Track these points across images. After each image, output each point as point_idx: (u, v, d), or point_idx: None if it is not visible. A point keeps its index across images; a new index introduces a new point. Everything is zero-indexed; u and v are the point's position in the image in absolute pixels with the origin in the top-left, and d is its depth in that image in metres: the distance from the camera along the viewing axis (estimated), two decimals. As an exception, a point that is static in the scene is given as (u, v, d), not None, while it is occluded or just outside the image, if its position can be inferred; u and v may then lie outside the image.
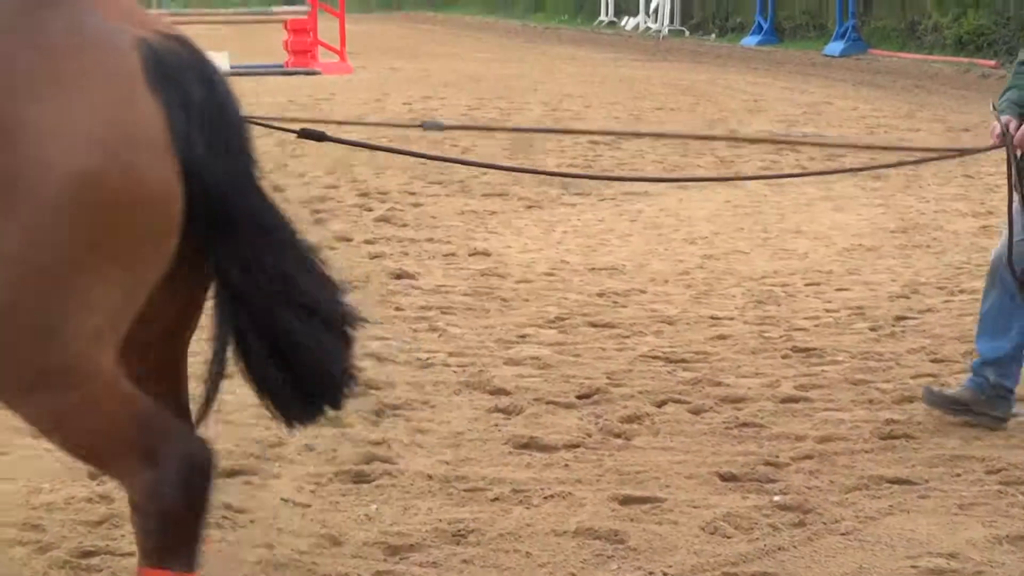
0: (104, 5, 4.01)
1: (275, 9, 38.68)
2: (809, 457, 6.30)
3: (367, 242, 11.42)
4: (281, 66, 29.48)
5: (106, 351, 3.80)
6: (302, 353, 4.16)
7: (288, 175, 14.78)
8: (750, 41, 36.25)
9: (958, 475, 6.06)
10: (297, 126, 6.37)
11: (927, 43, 30.40)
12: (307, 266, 4.22)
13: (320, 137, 6.33)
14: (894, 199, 13.12)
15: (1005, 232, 6.83)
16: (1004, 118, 6.65)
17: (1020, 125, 6.50)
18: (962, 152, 8.12)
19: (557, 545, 5.37)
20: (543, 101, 22.42)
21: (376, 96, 23.57)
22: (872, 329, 8.60)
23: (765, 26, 36.19)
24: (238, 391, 7.24)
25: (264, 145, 15.19)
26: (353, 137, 7.59)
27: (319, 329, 4.17)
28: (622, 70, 29.04)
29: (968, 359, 7.80)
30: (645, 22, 42.64)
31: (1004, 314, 6.89)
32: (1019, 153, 6.63)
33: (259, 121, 8.77)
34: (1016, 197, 6.67)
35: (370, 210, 12.80)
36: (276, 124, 7.81)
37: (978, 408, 6.83)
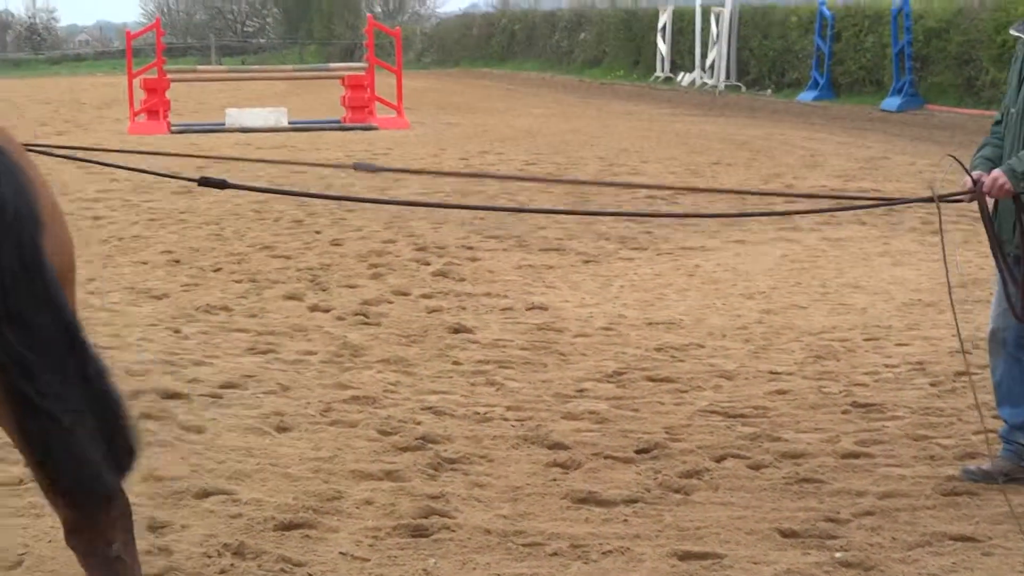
0: None
1: (333, 65, 39.12)
2: (870, 513, 6.26)
3: (424, 296, 11.46)
4: (338, 121, 29.68)
5: None
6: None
7: (345, 229, 14.88)
8: (806, 96, 36.24)
9: (1022, 533, 6.00)
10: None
11: (984, 98, 30.28)
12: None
13: (221, 185, 6.42)
14: (955, 253, 13.04)
15: (994, 298, 7.13)
16: (975, 173, 6.88)
17: (1010, 184, 6.59)
18: (928, 200, 8.04)
19: (616, 602, 5.36)
20: (599, 156, 22.47)
21: (433, 151, 23.67)
22: (932, 384, 8.56)
23: (821, 81, 36.17)
24: (296, 444, 7.32)
25: (318, 200, 15.37)
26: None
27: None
28: (678, 125, 29.07)
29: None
30: (701, 77, 42.76)
31: (1017, 380, 6.91)
32: (991, 205, 6.88)
33: (152, 171, 9.05)
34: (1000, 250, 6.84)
35: (427, 264, 12.86)
36: (178, 175, 8.08)
37: (1019, 475, 6.82)
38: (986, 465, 6.90)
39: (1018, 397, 6.91)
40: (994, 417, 7.78)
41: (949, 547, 5.84)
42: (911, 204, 12.02)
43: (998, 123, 7.08)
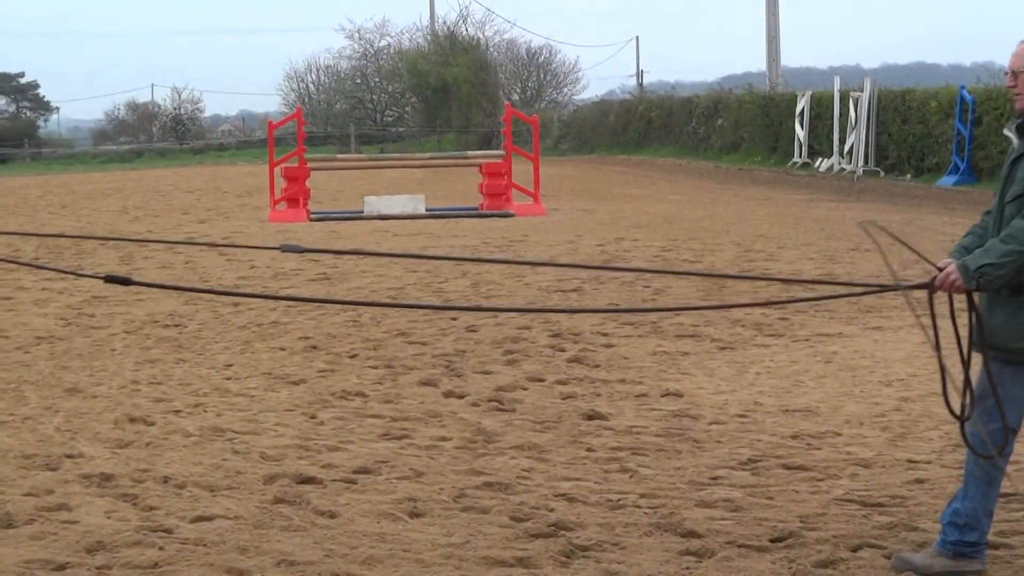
0: None
1: (471, 153, 39.57)
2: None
3: (559, 382, 11.48)
4: (476, 208, 29.96)
5: None
6: None
7: (480, 315, 14.97)
8: (947, 181, 35.91)
9: None
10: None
11: None
12: None
13: (126, 282, 6.86)
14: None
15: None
16: (942, 262, 6.93)
17: (962, 282, 6.73)
18: (883, 288, 8.04)
19: None
20: (736, 242, 22.46)
21: (569, 238, 23.80)
22: (1080, 472, 8.40)
23: (962, 166, 35.84)
24: (429, 530, 7.36)
25: (457, 286, 15.53)
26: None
27: None
28: (816, 211, 28.99)
29: None
30: (839, 163, 42.52)
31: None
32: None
33: (60, 269, 9.37)
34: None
35: (563, 350, 12.89)
36: (80, 272, 8.80)
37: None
38: (917, 557, 6.78)
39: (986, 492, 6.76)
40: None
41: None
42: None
43: (988, 212, 6.88)
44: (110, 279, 7.90)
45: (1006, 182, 6.82)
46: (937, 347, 7.12)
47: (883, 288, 7.54)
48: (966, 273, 6.72)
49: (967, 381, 6.98)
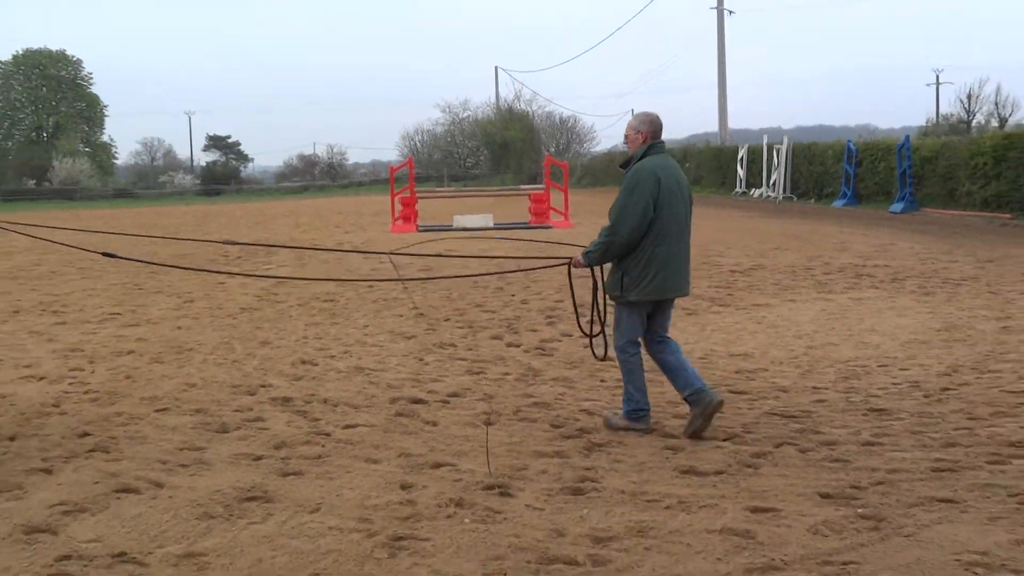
0: None
1: (523, 187, 39.62)
2: (882, 483, 6.13)
3: (581, 337, 11.45)
4: (526, 223, 29.94)
5: None
6: None
7: (529, 293, 14.97)
8: (838, 203, 35.70)
9: (987, 497, 5.83)
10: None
11: (962, 203, 29.61)
12: None
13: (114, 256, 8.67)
14: (940, 308, 12.72)
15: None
16: (575, 257, 7.75)
17: (585, 263, 7.64)
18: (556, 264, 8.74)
19: (708, 539, 5.32)
20: (697, 244, 22.23)
21: (589, 242, 23.72)
22: (925, 396, 8.33)
23: (848, 193, 35.69)
24: (497, 434, 7.35)
25: (515, 275, 15.29)
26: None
27: None
28: (751, 224, 28.80)
29: (994, 420, 7.56)
30: (767, 192, 42.37)
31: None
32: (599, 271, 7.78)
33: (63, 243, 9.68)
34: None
35: (585, 316, 12.83)
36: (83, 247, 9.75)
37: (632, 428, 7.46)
38: (614, 419, 7.54)
39: (638, 378, 7.53)
40: (969, 418, 7.59)
41: (936, 507, 5.70)
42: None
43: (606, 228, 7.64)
44: (105, 254, 8.78)
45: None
46: (573, 298, 8.58)
47: (556, 264, 8.61)
48: (587, 256, 7.58)
49: (593, 317, 7.88)
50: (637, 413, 7.47)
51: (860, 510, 5.68)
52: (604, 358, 8.12)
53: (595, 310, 7.88)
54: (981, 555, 5.02)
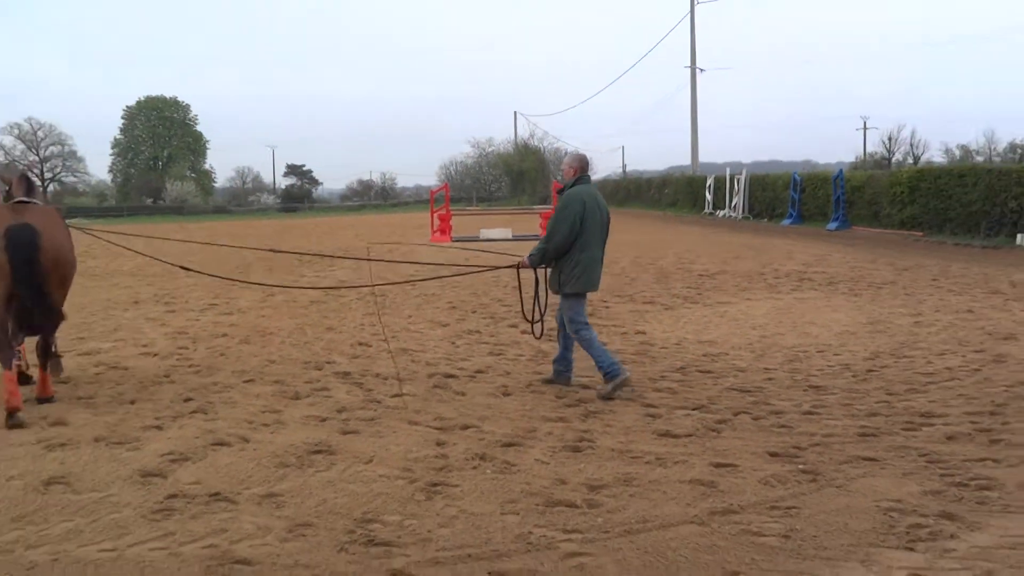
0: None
1: (535, 207, 39.42)
2: (818, 445, 6.10)
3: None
4: (538, 236, 29.81)
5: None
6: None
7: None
8: (786, 222, 35.49)
9: (902, 457, 5.80)
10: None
11: (884, 223, 29.41)
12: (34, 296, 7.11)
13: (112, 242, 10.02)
14: (866, 306, 12.64)
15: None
16: (522, 260, 8.18)
17: (528, 264, 8.04)
18: (508, 267, 9.11)
19: (680, 487, 5.30)
20: (675, 253, 22.29)
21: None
22: (853, 376, 8.27)
23: (795, 214, 35.47)
24: (513, 403, 7.32)
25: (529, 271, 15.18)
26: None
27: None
28: (716, 237, 28.68)
29: (908, 395, 7.51)
30: (729, 213, 42.17)
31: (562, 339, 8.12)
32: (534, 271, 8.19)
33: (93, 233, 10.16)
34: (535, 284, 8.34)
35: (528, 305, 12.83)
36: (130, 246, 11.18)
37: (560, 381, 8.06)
38: (602, 390, 7.62)
39: (599, 347, 7.77)
40: (888, 394, 7.54)
41: (861, 464, 5.67)
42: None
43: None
44: (182, 267, 9.89)
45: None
46: (520, 293, 8.94)
47: (512, 266, 8.80)
48: (531, 259, 7.99)
49: (535, 306, 8.28)
50: (612, 370, 7.60)
51: (801, 466, 5.65)
52: (540, 337, 8.73)
53: (536, 301, 8.28)
54: (896, 502, 4.99)
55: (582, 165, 8.08)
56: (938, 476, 5.41)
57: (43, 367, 7.57)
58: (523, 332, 11.04)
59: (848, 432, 6.40)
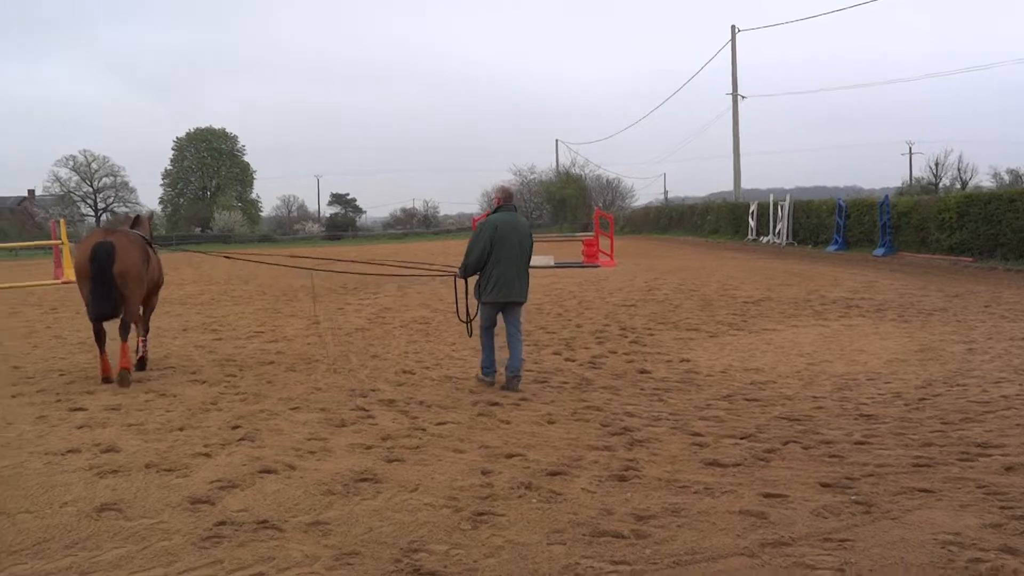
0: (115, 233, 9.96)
1: (578, 234, 39.38)
2: (871, 475, 5.96)
3: (625, 354, 11.37)
4: (579, 263, 29.85)
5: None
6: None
7: (584, 319, 14.88)
8: (831, 248, 35.12)
9: (959, 488, 5.65)
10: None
11: (932, 248, 28.96)
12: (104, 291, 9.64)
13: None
14: (917, 333, 12.41)
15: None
16: (456, 271, 9.62)
17: (459, 275, 9.50)
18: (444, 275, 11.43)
19: (729, 519, 5.21)
20: (718, 280, 22.09)
21: (629, 278, 23.61)
22: (906, 405, 8.11)
23: (840, 240, 35.09)
24: (557, 431, 7.26)
25: (571, 304, 15.18)
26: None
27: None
28: (760, 263, 28.42)
29: (963, 425, 7.34)
30: (773, 239, 41.82)
31: (487, 346, 9.39)
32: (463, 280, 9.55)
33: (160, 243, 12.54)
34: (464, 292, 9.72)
35: (627, 337, 12.77)
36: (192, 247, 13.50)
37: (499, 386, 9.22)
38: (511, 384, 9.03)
39: (488, 352, 9.34)
40: (942, 423, 7.37)
41: (917, 496, 5.53)
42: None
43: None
44: (309, 268, 14.45)
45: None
46: (455, 297, 10.13)
47: (446, 275, 10.63)
48: (461, 270, 9.41)
49: (467, 310, 9.64)
50: (487, 370, 9.35)
51: (854, 497, 5.53)
52: (471, 335, 10.23)
53: (466, 306, 9.68)
54: (954, 535, 4.86)
55: (505, 196, 9.46)
56: (997, 509, 5.26)
57: (123, 339, 9.76)
58: (567, 359, 10.99)
59: (902, 462, 6.25)
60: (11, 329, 15.47)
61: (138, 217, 11.50)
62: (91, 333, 11.07)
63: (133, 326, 10.11)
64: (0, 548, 4.94)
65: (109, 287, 9.58)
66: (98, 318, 9.78)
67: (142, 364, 10.63)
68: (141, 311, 10.55)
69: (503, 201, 9.39)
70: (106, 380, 9.76)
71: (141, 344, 10.79)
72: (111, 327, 10.08)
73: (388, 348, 12.15)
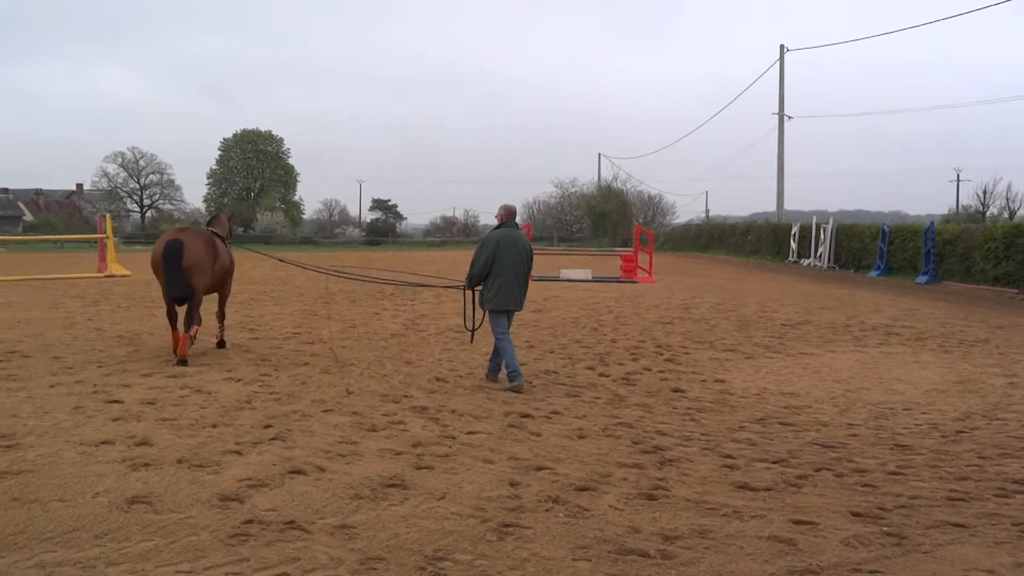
0: (189, 231, 11.66)
1: (616, 249, 39.31)
2: (904, 507, 5.87)
3: (659, 371, 11.30)
4: (617, 278, 29.74)
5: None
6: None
7: (619, 334, 14.82)
8: (873, 273, 34.67)
9: (994, 524, 5.54)
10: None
11: (976, 278, 28.48)
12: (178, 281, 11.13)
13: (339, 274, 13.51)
14: (957, 364, 12.20)
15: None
16: (463, 283, 10.56)
17: (466, 286, 10.50)
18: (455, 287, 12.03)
19: (757, 544, 5.15)
20: (757, 301, 21.88)
21: (667, 295, 23.49)
22: (942, 437, 7.97)
23: (882, 266, 34.63)
24: (587, 446, 7.22)
25: (607, 318, 15.14)
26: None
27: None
28: (801, 287, 28.11)
29: (1001, 460, 7.19)
30: (814, 262, 41.37)
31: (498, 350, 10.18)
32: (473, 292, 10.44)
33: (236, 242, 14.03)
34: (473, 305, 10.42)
35: (662, 355, 12.69)
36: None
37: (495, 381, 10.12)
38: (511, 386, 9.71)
39: (510, 357, 9.87)
40: (980, 457, 7.23)
41: (951, 530, 5.43)
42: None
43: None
44: (332, 272, 13.82)
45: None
46: (464, 306, 10.77)
47: (455, 287, 11.60)
48: (467, 280, 10.38)
49: (474, 319, 10.41)
50: (513, 374, 9.76)
51: (885, 528, 5.44)
52: (472, 341, 11.15)
53: (473, 313, 10.39)
54: (988, 573, 4.76)
55: (507, 214, 10.27)
56: (1034, 547, 5.14)
57: (187, 329, 11.26)
58: (600, 374, 10.95)
59: (936, 495, 6.14)
60: (53, 320, 15.74)
61: (218, 215, 13.18)
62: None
63: (194, 330, 11.80)
64: (31, 535, 5.02)
65: (179, 277, 11.10)
66: (173, 301, 11.32)
67: (221, 344, 12.51)
68: (220, 300, 12.76)
69: (505, 219, 10.23)
70: (181, 362, 11.04)
71: (219, 330, 12.68)
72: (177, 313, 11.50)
73: (422, 355, 12.19)
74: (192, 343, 11.89)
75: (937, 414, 8.97)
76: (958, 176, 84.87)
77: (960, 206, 78.21)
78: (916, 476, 6.63)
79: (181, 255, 11.15)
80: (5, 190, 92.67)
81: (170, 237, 11.36)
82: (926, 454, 7.31)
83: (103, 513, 5.40)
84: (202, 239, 11.64)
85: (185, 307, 11.41)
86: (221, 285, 12.45)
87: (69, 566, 4.61)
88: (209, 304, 13.65)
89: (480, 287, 10.22)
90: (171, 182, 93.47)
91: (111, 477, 6.12)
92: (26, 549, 4.83)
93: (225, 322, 12.86)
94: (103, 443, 7.03)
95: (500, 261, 9.90)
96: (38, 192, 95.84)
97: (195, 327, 12.15)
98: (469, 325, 10.52)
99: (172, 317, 11.45)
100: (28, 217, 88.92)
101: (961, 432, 8.17)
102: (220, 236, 12.38)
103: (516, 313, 10.44)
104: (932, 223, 33.02)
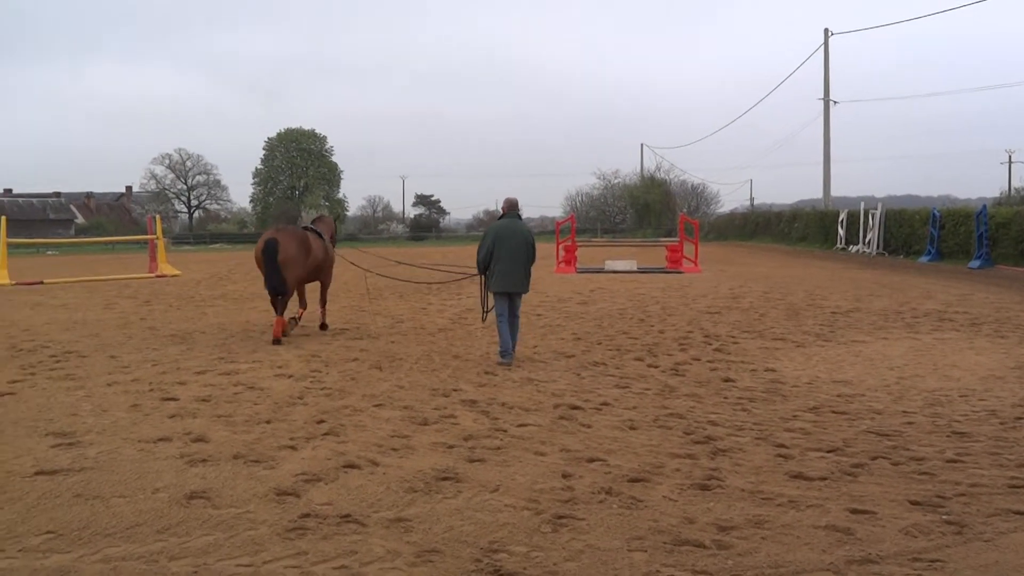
0: (282, 230, 13.30)
1: (661, 240, 39.10)
2: (964, 495, 5.76)
3: (708, 361, 11.21)
4: (663, 268, 29.58)
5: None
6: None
7: (667, 325, 14.73)
8: (924, 259, 34.08)
9: None
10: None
11: (1033, 261, 27.94)
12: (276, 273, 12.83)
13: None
14: (1014, 350, 11.94)
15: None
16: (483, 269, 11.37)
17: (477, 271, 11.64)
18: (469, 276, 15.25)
19: (814, 533, 5.09)
20: (805, 289, 21.61)
21: (713, 285, 23.31)
22: (1001, 423, 7.80)
23: (933, 251, 34.02)
24: (639, 437, 7.18)
25: (654, 310, 15.03)
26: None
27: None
28: (849, 274, 27.70)
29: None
30: (863, 248, 40.75)
31: (505, 332, 11.01)
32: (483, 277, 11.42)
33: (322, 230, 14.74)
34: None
35: (711, 344, 12.59)
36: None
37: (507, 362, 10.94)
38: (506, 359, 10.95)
39: (504, 338, 10.96)
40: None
41: (1012, 517, 5.32)
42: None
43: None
44: (369, 271, 17.14)
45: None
46: (480, 290, 11.84)
47: (474, 275, 13.02)
48: (476, 267, 11.40)
49: (484, 300, 11.77)
50: (502, 351, 10.92)
51: (945, 517, 5.35)
52: (484, 321, 12.45)
53: (483, 296, 11.74)
54: (1054, 562, 4.66)
55: (509, 206, 11.25)
56: (1101, 535, 5.03)
57: (278, 314, 12.81)
58: (649, 365, 10.90)
59: (996, 483, 6.02)
60: (107, 320, 16.05)
61: (321, 216, 15.20)
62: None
63: (287, 321, 13.56)
64: (95, 530, 5.13)
65: (276, 271, 12.73)
66: (271, 292, 12.92)
67: (323, 327, 14.21)
68: (321, 288, 14.68)
69: (507, 210, 11.26)
70: (275, 342, 12.63)
71: (321, 313, 14.54)
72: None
73: (470, 349, 12.23)
74: (296, 324, 13.93)
75: (995, 400, 8.80)
76: (1010, 157, 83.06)
77: (1012, 188, 76.54)
78: (975, 464, 6.51)
79: (276, 252, 12.71)
80: (57, 193, 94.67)
81: (268, 236, 12.95)
82: (984, 441, 7.17)
83: (163, 508, 5.50)
84: (296, 237, 13.11)
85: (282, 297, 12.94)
86: (319, 276, 14.05)
87: (133, 560, 4.70)
88: (312, 292, 16.68)
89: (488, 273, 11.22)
90: (217, 182, 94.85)
91: (169, 473, 6.23)
92: (90, 544, 4.94)
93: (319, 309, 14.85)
94: (160, 440, 7.16)
95: (500, 248, 10.89)
96: (89, 195, 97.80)
97: (300, 310, 14.47)
98: (484, 305, 11.89)
99: (275, 305, 12.96)
100: (80, 220, 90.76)
101: (1020, 418, 8.00)
102: (318, 233, 14.01)
103: (523, 297, 11.58)
104: (984, 206, 32.34)
